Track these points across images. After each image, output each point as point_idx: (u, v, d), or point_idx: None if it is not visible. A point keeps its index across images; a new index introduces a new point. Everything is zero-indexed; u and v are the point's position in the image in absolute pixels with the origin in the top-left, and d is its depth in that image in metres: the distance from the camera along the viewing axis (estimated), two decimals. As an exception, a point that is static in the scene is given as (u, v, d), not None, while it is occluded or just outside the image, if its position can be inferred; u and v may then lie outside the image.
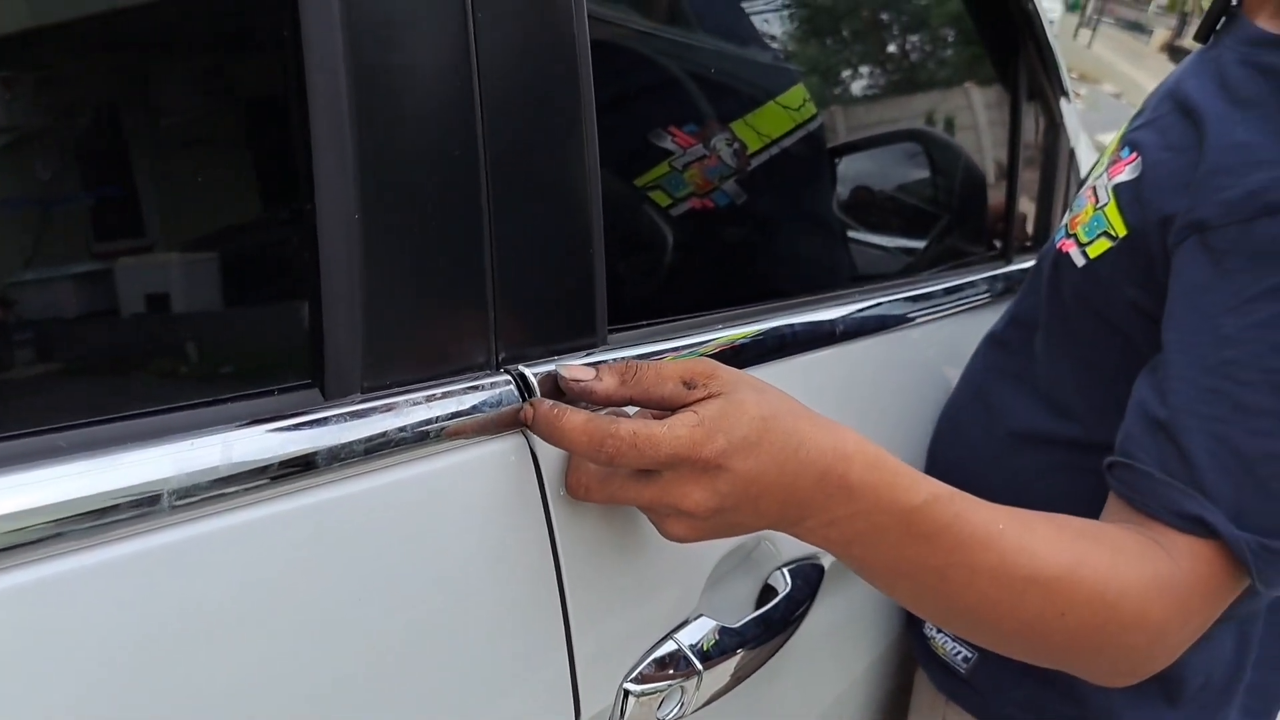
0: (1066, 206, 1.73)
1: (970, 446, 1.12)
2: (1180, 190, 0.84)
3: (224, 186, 0.60)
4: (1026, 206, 1.67)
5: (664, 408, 0.67)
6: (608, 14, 1.02)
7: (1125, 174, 0.92)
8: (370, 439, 0.59)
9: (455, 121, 0.64)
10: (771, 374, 0.92)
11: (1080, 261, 0.95)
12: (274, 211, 0.62)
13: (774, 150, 1.13)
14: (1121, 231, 0.90)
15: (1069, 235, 0.99)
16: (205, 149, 0.59)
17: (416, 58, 0.62)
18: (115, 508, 0.48)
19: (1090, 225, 0.96)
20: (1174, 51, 17.47)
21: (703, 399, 0.66)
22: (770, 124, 1.14)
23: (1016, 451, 1.04)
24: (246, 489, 0.53)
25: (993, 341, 1.17)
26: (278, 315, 0.62)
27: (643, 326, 0.84)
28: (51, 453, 0.48)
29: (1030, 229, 1.70)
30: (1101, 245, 0.93)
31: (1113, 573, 0.74)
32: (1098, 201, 0.95)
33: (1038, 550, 0.73)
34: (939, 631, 1.14)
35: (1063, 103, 1.65)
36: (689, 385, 0.67)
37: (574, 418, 0.64)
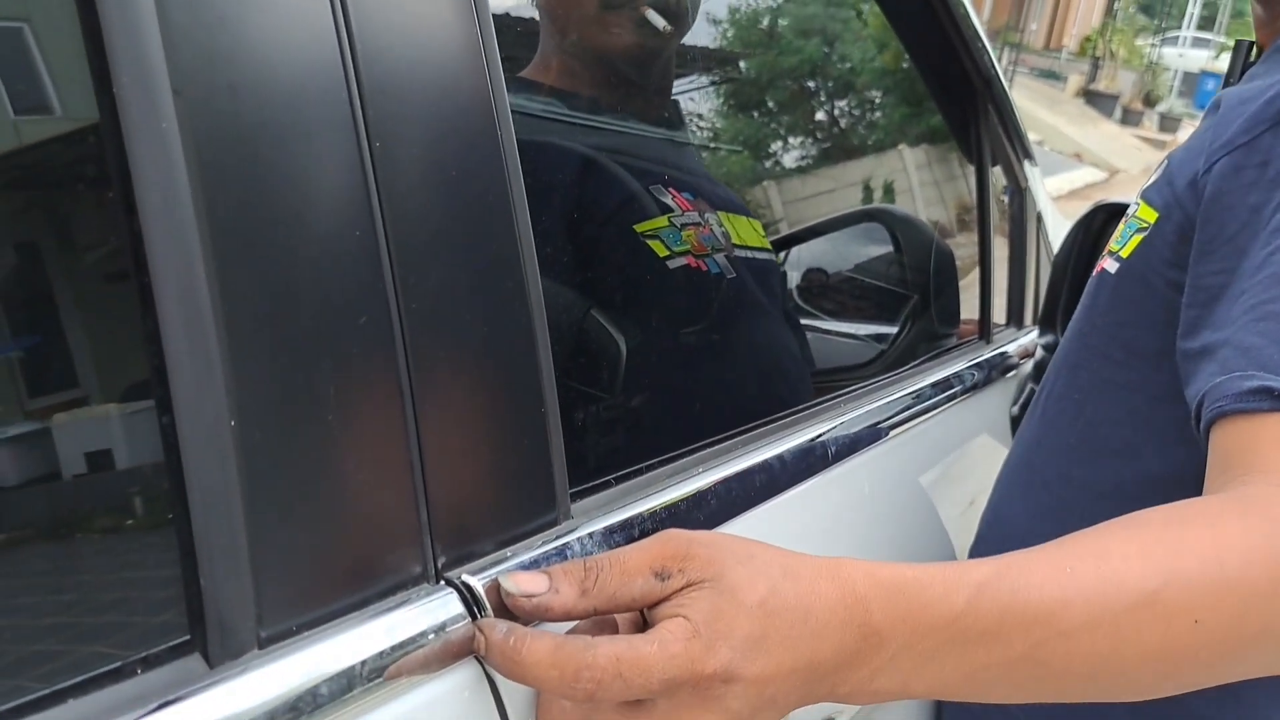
0: (1039, 275, 1.63)
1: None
2: (1201, 152, 0.82)
3: (46, 389, 0.45)
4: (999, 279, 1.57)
5: (636, 609, 0.54)
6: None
7: (1153, 179, 0.90)
8: (276, 712, 0.45)
9: (358, 282, 0.50)
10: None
11: (1115, 267, 0.91)
12: (119, 428, 0.47)
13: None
14: (1153, 218, 0.86)
15: (1104, 256, 0.94)
16: (23, 343, 0.45)
17: (298, 200, 0.48)
18: None
19: (1122, 235, 0.92)
20: (1089, 95, 17.89)
21: (682, 589, 0.53)
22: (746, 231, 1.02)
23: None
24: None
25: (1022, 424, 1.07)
26: (135, 562, 0.47)
27: (611, 485, 0.71)
28: None
29: (1004, 301, 1.59)
30: (1134, 241, 0.89)
31: (1220, 542, 0.59)
32: (1128, 216, 0.92)
33: (1123, 571, 0.57)
34: None
35: (1027, 165, 1.55)
36: (661, 575, 0.53)
37: (537, 647, 0.50)
